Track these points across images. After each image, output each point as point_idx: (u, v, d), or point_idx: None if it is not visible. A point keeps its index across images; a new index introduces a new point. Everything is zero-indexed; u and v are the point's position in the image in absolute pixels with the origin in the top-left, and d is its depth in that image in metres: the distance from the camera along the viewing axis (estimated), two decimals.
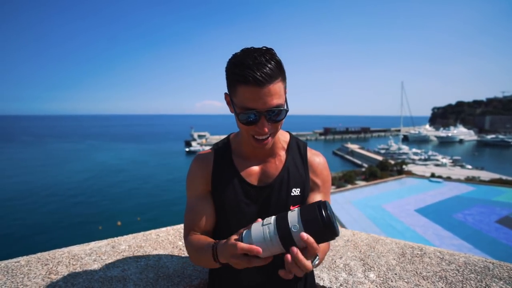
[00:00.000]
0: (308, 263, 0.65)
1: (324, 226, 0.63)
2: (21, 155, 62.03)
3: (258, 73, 0.75)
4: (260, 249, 0.67)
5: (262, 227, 0.69)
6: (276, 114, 0.81)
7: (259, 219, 0.73)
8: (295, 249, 0.64)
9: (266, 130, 0.81)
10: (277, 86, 0.79)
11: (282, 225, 0.66)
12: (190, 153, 65.24)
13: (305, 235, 0.64)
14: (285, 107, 0.83)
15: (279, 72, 0.79)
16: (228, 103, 0.91)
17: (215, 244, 0.80)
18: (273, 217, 0.70)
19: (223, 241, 0.78)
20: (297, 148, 1.01)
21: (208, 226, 0.95)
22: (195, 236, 0.94)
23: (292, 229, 0.65)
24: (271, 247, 0.67)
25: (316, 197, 0.97)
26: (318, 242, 0.65)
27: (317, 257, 0.74)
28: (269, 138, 0.86)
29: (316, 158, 1.00)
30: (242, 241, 0.70)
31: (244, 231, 0.73)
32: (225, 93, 0.91)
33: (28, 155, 61.88)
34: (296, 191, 0.94)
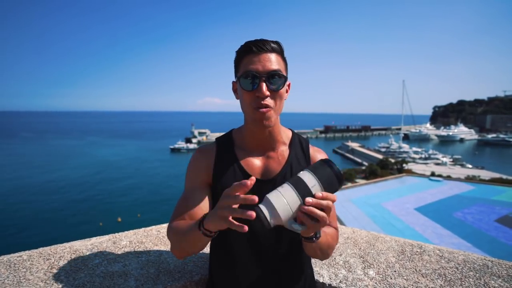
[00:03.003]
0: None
1: (338, 180, 0.70)
2: (22, 151, 62.15)
3: (260, 43, 0.86)
4: (255, 198, 0.64)
5: (279, 193, 0.69)
6: (275, 81, 0.86)
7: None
8: (318, 194, 0.70)
9: (266, 92, 0.84)
10: (277, 57, 0.88)
11: (301, 187, 0.69)
12: (174, 151, 64.43)
13: (324, 193, 0.71)
14: (285, 75, 0.88)
15: (279, 50, 0.89)
16: (234, 91, 0.95)
17: (206, 214, 0.78)
18: (285, 184, 0.71)
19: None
20: (299, 144, 1.02)
21: (196, 217, 0.91)
22: (181, 221, 0.91)
23: (311, 190, 0.69)
24: (291, 210, 0.68)
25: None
26: (324, 182, 0.72)
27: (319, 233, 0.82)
28: (271, 110, 0.87)
29: (318, 154, 1.02)
30: (262, 212, 0.67)
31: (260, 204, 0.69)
32: (233, 82, 0.95)
33: (29, 151, 62.03)
34: None
